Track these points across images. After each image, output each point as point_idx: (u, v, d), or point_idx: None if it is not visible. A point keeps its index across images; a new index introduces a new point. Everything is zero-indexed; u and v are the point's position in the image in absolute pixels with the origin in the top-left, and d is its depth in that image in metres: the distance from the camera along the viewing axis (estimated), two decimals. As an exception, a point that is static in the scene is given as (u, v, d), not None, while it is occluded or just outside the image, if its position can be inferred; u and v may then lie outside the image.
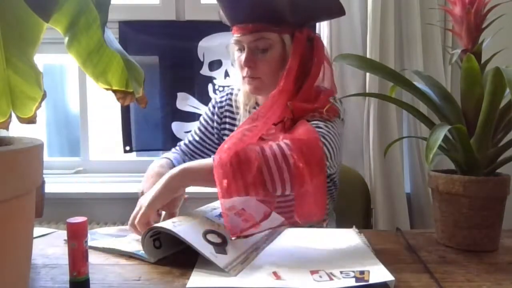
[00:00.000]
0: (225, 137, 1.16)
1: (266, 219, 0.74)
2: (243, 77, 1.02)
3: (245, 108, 1.11)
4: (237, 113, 1.15)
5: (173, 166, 1.06)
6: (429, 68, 1.53)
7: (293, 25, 0.97)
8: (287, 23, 0.96)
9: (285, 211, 0.86)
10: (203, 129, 1.20)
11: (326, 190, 0.78)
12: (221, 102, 1.19)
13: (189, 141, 1.20)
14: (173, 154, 1.16)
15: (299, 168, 0.73)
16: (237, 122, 1.15)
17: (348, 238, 0.79)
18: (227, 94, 1.19)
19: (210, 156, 0.97)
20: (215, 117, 1.18)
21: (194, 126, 1.70)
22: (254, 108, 1.12)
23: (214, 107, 1.20)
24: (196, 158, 1.16)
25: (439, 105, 0.81)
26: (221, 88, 1.73)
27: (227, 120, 1.17)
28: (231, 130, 1.14)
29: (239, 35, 0.98)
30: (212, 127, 1.19)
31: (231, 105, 1.17)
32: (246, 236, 0.70)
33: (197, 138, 1.19)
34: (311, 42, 0.98)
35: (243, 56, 0.99)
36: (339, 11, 0.96)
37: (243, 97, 1.12)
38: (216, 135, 1.18)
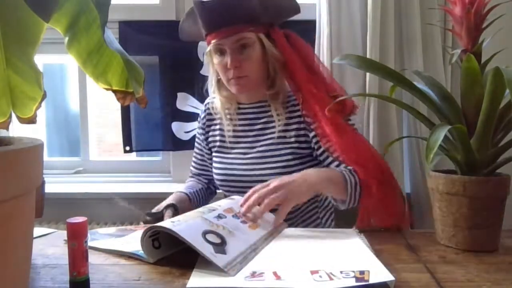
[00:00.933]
0: (211, 145, 1.20)
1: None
2: (229, 79, 1.06)
3: (226, 115, 1.15)
4: (218, 120, 1.18)
5: (188, 198, 1.12)
6: (429, 68, 1.53)
7: (264, 26, 1.05)
8: (259, 24, 1.04)
9: None
10: (199, 147, 1.25)
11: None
12: (202, 119, 1.23)
13: (195, 163, 1.26)
14: (186, 184, 1.22)
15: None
16: (218, 132, 1.17)
17: (348, 238, 0.79)
18: (204, 110, 1.23)
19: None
20: (200, 130, 1.23)
21: (194, 126, 1.71)
22: (237, 112, 1.14)
23: (199, 122, 1.24)
24: (209, 176, 1.22)
25: (439, 105, 0.81)
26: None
27: (210, 134, 1.20)
28: (215, 140, 1.18)
29: (219, 40, 1.03)
30: (202, 141, 1.23)
31: (210, 118, 1.20)
32: None
33: (199, 157, 1.25)
34: (288, 38, 1.06)
35: (227, 58, 1.03)
36: (296, 10, 1.09)
37: (221, 104, 1.15)
38: (206, 148, 1.22)
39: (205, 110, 1.23)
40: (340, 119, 0.99)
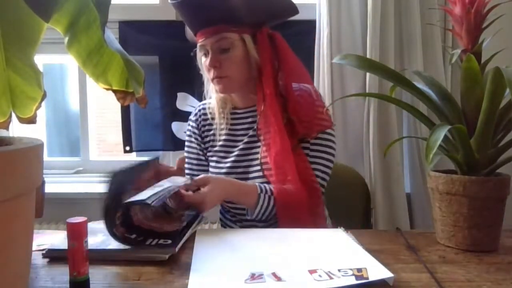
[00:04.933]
0: (209, 148, 1.15)
1: None
2: (212, 80, 1.06)
3: (220, 115, 1.13)
4: (212, 123, 1.15)
5: None
6: (429, 68, 1.53)
7: (252, 26, 1.03)
8: (245, 24, 1.02)
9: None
10: (194, 146, 1.18)
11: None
12: (196, 120, 1.19)
13: (191, 164, 1.18)
14: None
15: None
16: (213, 132, 1.15)
17: (338, 236, 0.79)
18: (198, 110, 1.20)
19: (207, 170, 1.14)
20: (196, 130, 1.18)
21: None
22: (232, 113, 1.13)
23: (192, 126, 1.19)
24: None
25: (439, 105, 0.81)
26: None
27: (205, 133, 1.17)
28: (214, 141, 1.14)
29: (202, 39, 1.04)
30: (198, 140, 1.18)
31: (206, 118, 1.17)
32: None
33: (194, 156, 1.18)
34: (272, 40, 1.05)
35: (208, 59, 1.04)
36: (293, 11, 1.05)
37: (217, 105, 1.14)
38: (203, 151, 1.17)
39: (198, 113, 1.18)
40: (294, 141, 1.01)
